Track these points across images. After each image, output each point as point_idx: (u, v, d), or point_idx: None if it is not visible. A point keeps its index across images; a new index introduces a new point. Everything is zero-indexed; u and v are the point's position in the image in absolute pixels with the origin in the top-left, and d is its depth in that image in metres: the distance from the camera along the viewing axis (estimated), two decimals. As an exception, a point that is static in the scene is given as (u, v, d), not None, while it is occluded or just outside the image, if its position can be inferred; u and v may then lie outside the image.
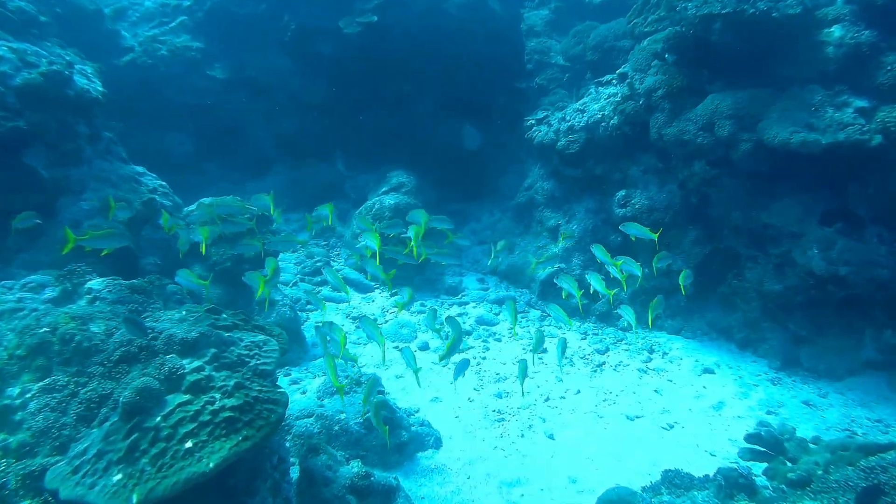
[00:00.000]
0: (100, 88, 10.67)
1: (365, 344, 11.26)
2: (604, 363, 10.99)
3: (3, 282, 7.30)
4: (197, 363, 5.64)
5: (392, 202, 13.88)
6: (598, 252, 8.99)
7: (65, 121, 9.95)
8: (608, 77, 13.88)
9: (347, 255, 14.31)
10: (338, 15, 15.56)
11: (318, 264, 13.73)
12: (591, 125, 13.09)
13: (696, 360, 10.78)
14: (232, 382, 5.39)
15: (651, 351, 11.30)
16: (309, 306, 12.19)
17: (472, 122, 16.51)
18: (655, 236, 8.93)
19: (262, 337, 6.38)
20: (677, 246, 11.79)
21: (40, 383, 5.76)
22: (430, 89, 16.20)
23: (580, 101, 13.97)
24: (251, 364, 5.81)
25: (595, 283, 8.94)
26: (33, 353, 6.03)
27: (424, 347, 11.48)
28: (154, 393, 5.09)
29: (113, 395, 5.52)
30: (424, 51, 15.64)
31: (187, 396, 5.21)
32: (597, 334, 12.18)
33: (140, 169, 11.09)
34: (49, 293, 7.14)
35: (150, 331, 6.04)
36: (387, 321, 12.15)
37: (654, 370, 10.69)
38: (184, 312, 6.74)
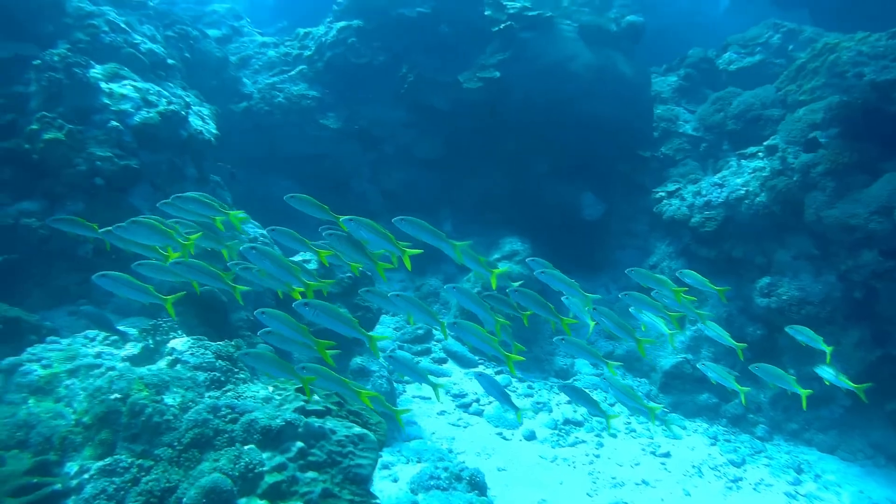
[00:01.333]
0: (213, 131, 10.34)
1: (466, 426, 10.09)
2: (740, 479, 9.32)
3: (87, 331, 6.69)
4: (279, 459, 4.67)
5: (504, 270, 12.78)
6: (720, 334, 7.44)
7: (174, 162, 9.61)
8: (753, 149, 12.43)
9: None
10: (458, 69, 15.03)
11: (420, 332, 12.74)
12: (732, 201, 11.64)
13: (861, 492, 8.89)
14: (319, 489, 4.37)
15: (799, 471, 9.49)
16: (406, 378, 11.17)
17: (592, 188, 15.33)
18: (829, 350, 7.35)
19: (358, 430, 5.34)
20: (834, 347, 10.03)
21: (101, 462, 4.92)
22: (547, 151, 15.23)
23: (718, 175, 12.57)
24: (343, 465, 4.78)
25: (725, 379, 7.37)
26: (99, 423, 5.24)
27: (531, 437, 10.18)
28: (224, 496, 4.11)
29: (178, 490, 4.56)
30: (544, 110, 14.76)
31: (263, 503, 4.20)
32: (729, 440, 10.50)
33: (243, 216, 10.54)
34: (130, 349, 6.45)
35: (228, 409, 5.13)
36: (490, 402, 10.94)
37: (805, 497, 8.88)
38: (270, 389, 5.82)
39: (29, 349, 6.27)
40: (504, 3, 14.87)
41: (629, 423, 10.91)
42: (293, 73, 15.55)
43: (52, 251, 8.44)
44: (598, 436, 10.43)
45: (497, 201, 15.30)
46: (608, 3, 15.76)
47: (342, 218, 5.87)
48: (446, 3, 15.27)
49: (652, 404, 10.23)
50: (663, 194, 13.45)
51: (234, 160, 12.83)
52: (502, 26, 14.74)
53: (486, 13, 15.07)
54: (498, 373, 12.01)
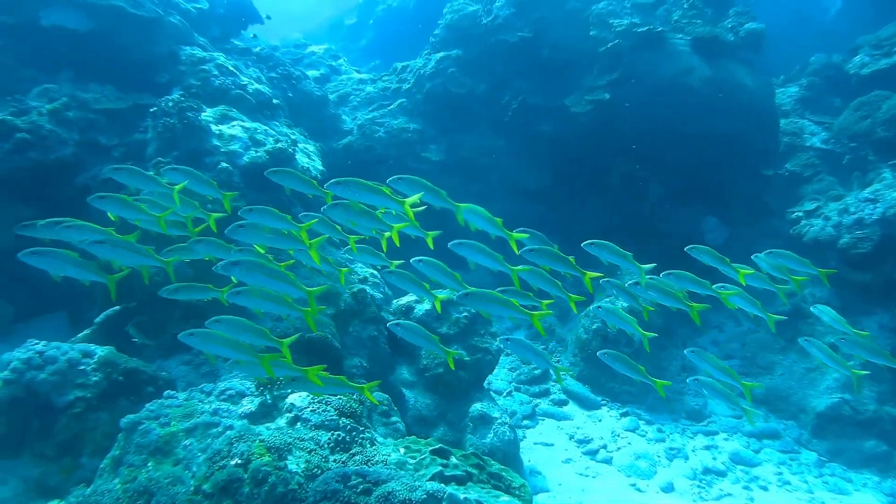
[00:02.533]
0: (319, 167, 10.05)
1: (595, 476, 9.13)
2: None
3: (203, 386, 6.31)
4: (422, 541, 3.94)
5: (627, 306, 11.79)
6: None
7: (282, 200, 9.31)
8: (912, 158, 10.96)
9: (570, 364, 12.34)
10: (563, 93, 14.30)
11: (536, 372, 11.89)
12: (891, 218, 10.23)
13: None
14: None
15: None
16: (525, 422, 10.33)
17: (713, 212, 14.11)
18: None
19: (506, 500, 4.57)
20: None
21: (224, 540, 4.37)
22: (662, 174, 14.18)
23: (868, 189, 11.18)
24: (493, 549, 4.00)
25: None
26: (220, 492, 4.72)
27: (669, 489, 9.09)
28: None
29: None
30: (659, 130, 13.74)
31: None
32: (912, 501, 8.99)
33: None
34: (247, 405, 5.98)
35: (359, 478, 4.49)
36: (618, 448, 9.93)
37: None
38: (402, 451, 5.16)
39: (148, 405, 5.93)
40: (610, 22, 14.08)
41: (780, 472, 9.63)
42: (392, 106, 15.30)
43: (169, 298, 8.22)
44: (746, 488, 9.21)
45: (610, 228, 14.31)
46: (722, 12, 14.65)
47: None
48: (548, 26, 14.66)
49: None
50: (800, 214, 12.13)
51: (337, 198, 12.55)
52: (609, 45, 13.93)
53: (591, 33, 14.31)
54: (623, 414, 10.97)
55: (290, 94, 12.73)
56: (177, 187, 5.75)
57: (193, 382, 7.92)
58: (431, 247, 5.60)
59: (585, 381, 11.85)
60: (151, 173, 5.67)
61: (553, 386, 11.90)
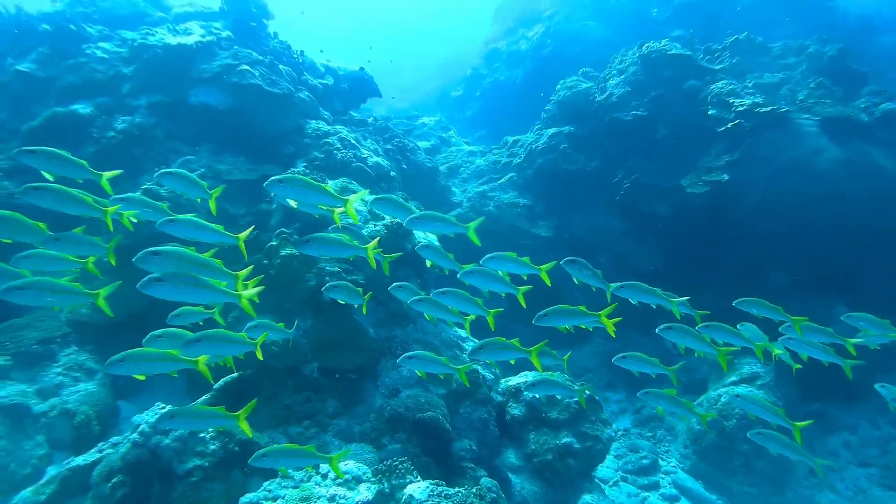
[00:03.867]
0: (435, 243, 10.02)
1: None
2: None
3: (321, 471, 6.17)
4: None
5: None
6: None
7: (397, 275, 9.28)
8: None
9: (681, 456, 11.50)
10: (678, 173, 13.87)
11: (644, 462, 11.14)
12: None
13: None
14: None
15: None
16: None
17: (845, 301, 13.06)
18: None
19: None
20: None
21: None
22: (786, 260, 13.33)
23: None
24: None
25: None
26: None
27: None
28: None
29: None
30: (783, 214, 13.02)
31: None
32: None
33: (463, 333, 10.00)
34: (364, 493, 5.77)
35: None
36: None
37: None
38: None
39: (265, 484, 5.84)
40: (730, 101, 13.67)
41: None
42: (503, 180, 15.32)
43: (281, 368, 8.27)
44: None
45: (725, 314, 13.50)
46: (853, 91, 13.95)
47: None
48: (664, 104, 14.41)
49: None
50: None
51: (434, 274, 12.52)
52: (730, 125, 13.47)
53: (709, 113, 13.94)
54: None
55: (405, 166, 12.98)
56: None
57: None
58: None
59: (699, 476, 10.98)
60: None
61: (663, 479, 11.11)
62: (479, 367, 9.23)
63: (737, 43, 15.24)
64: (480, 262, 6.64)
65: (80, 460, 6.95)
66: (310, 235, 6.09)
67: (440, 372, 6.62)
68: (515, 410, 9.33)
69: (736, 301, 7.50)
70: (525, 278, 7.36)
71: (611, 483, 10.80)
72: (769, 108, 13.32)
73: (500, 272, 6.78)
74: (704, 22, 21.65)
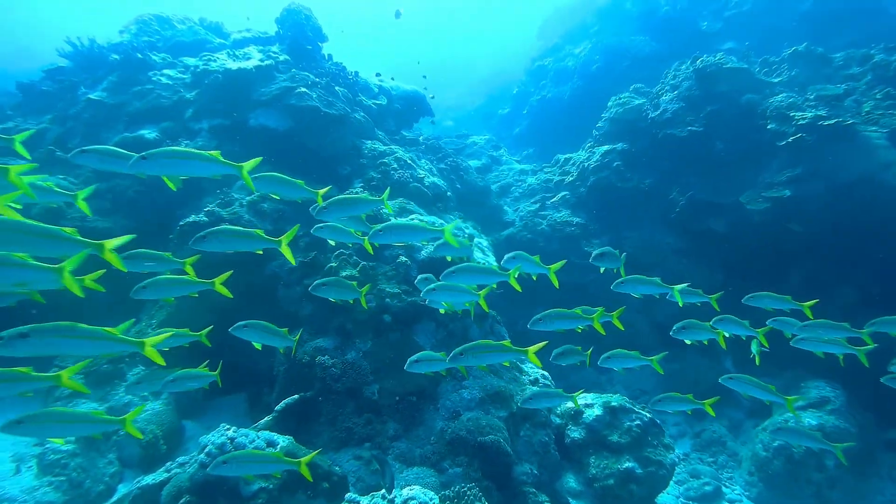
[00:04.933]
0: (493, 263, 9.98)
1: None
2: None
3: (388, 495, 6.13)
4: None
5: (814, 423, 10.55)
6: None
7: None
8: None
9: (745, 483, 11.10)
10: (736, 189, 13.54)
11: (707, 489, 10.79)
12: None
13: None
14: None
15: None
16: None
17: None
18: None
19: None
20: None
21: None
22: (854, 277, 12.84)
23: None
24: None
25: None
26: None
27: None
28: None
29: None
30: (849, 229, 12.55)
31: None
32: None
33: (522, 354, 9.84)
34: (431, 519, 5.69)
35: None
36: None
37: None
38: None
39: (333, 508, 5.81)
40: (791, 115, 13.30)
41: None
42: (555, 199, 15.19)
43: (342, 390, 8.29)
44: None
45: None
46: (924, 103, 13.43)
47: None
48: (720, 119, 14.12)
49: None
50: None
51: (491, 293, 12.42)
52: (791, 139, 13.09)
53: (768, 127, 13.59)
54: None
55: (459, 186, 12.99)
56: None
57: (363, 479, 7.82)
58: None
59: (765, 504, 10.58)
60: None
61: (728, 509, 10.74)
62: (537, 389, 9.09)
63: (795, 54, 14.85)
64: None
65: (149, 479, 7.06)
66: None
67: (440, 369, 6.58)
68: (575, 433, 9.18)
69: (745, 298, 7.89)
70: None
71: (669, 508, 10.50)
72: (833, 121, 12.91)
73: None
74: (757, 34, 21.23)
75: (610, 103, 16.03)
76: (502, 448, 7.90)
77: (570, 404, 9.50)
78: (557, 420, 9.33)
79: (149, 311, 9.30)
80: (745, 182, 13.64)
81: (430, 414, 8.50)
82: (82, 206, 5.44)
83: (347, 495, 6.28)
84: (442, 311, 8.04)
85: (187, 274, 5.90)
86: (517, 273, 6.67)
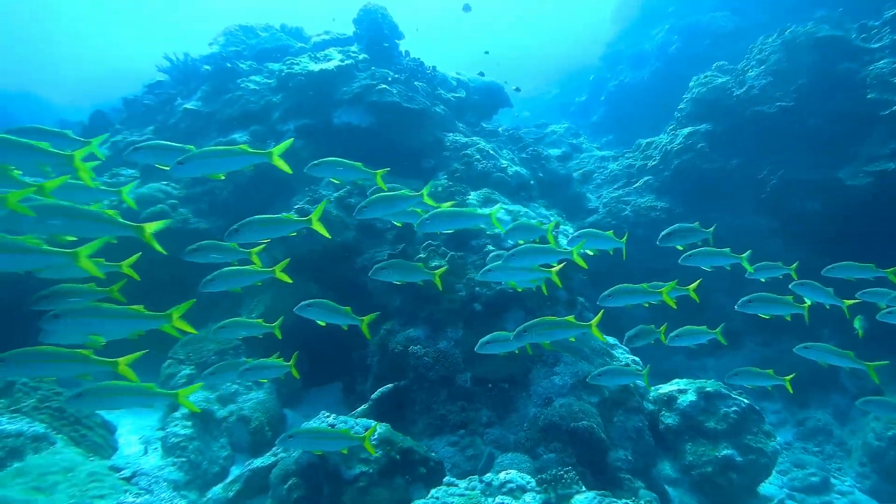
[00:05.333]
0: (591, 253, 9.90)
1: None
2: None
3: (484, 476, 6.23)
4: None
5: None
6: None
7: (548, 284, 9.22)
8: None
9: (856, 475, 10.58)
10: (833, 165, 12.88)
11: (814, 479, 10.34)
12: None
13: None
14: None
15: None
16: None
17: None
18: None
19: None
20: None
21: None
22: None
23: None
24: None
25: None
26: None
27: None
28: None
29: None
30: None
31: None
32: None
33: (612, 340, 9.78)
34: (530, 502, 5.73)
35: None
36: None
37: None
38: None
39: (433, 492, 5.98)
40: (895, 81, 12.53)
41: None
42: (638, 184, 14.89)
43: (435, 378, 8.45)
44: None
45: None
46: None
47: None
48: (813, 93, 13.46)
49: None
50: None
51: (580, 280, 12.31)
52: None
53: (868, 96, 12.85)
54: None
55: (541, 174, 12.94)
56: None
57: (458, 465, 7.96)
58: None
59: (882, 498, 10.02)
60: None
61: (838, 499, 10.24)
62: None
63: (898, 16, 13.96)
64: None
65: (258, 462, 7.44)
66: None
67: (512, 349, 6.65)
68: (669, 420, 9.02)
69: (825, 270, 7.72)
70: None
71: (776, 501, 10.10)
72: (942, 87, 12.10)
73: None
74: None
75: (692, 83, 15.55)
76: (596, 433, 7.86)
77: (663, 390, 9.33)
78: (650, 406, 9.19)
79: (248, 306, 9.76)
80: (842, 157, 12.96)
81: (523, 401, 8.54)
82: (127, 200, 5.81)
83: (445, 478, 6.42)
84: (519, 289, 8.09)
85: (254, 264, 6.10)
86: (580, 250, 6.65)
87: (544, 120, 21.98)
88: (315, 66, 12.20)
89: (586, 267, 6.84)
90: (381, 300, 9.20)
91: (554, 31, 54.05)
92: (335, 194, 10.00)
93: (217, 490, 7.36)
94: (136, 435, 8.48)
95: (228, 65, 13.41)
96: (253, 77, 13.41)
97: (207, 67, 13.60)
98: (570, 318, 6.24)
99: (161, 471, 7.04)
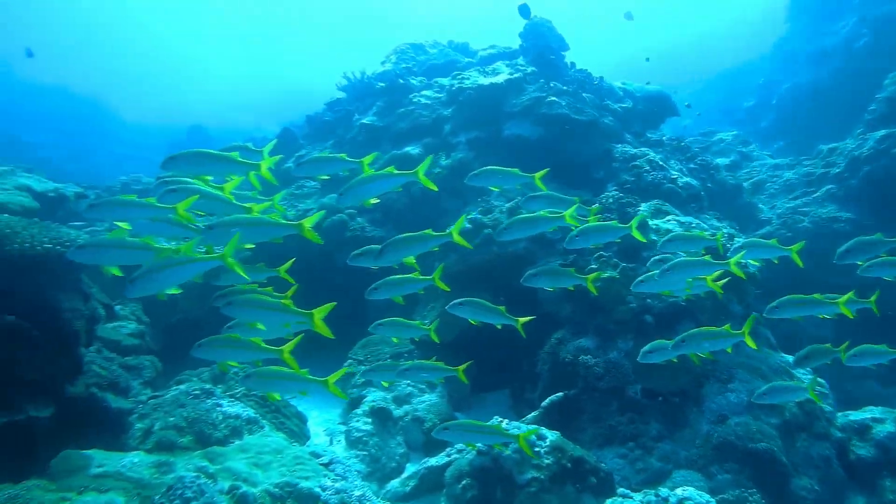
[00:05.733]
0: (754, 265, 9.48)
1: None
2: None
3: (660, 490, 6.18)
4: None
5: None
6: None
7: (718, 298, 8.93)
8: None
9: None
10: None
11: None
12: None
13: None
14: None
15: None
16: None
17: None
18: None
19: None
20: None
21: None
22: None
23: None
24: None
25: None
26: None
27: None
28: None
29: None
30: None
31: None
32: None
33: (789, 358, 9.24)
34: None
35: None
36: None
37: None
38: None
39: (608, 501, 6.01)
40: None
41: None
42: (818, 193, 13.89)
43: (604, 389, 8.46)
44: None
45: None
46: None
47: None
48: None
49: None
50: None
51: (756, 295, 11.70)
52: None
53: None
54: None
55: (710, 185, 12.48)
56: None
57: (628, 477, 7.91)
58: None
59: None
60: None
61: None
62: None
63: None
64: None
65: (433, 461, 7.84)
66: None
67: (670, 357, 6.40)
68: (862, 451, 8.37)
69: None
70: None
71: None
72: None
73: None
74: None
75: (886, 81, 14.30)
76: (776, 457, 7.52)
77: (854, 417, 8.68)
78: (838, 433, 8.57)
79: (420, 312, 10.31)
80: None
81: (695, 416, 8.32)
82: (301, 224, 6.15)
83: (620, 490, 6.43)
84: (682, 297, 7.90)
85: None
86: (740, 260, 6.39)
87: (711, 127, 21.06)
88: (485, 80, 12.62)
89: (744, 277, 6.58)
90: (550, 308, 9.34)
91: (718, 36, 51.57)
92: (507, 205, 10.29)
93: (395, 484, 7.86)
94: (321, 427, 9.25)
95: (401, 81, 14.21)
96: (424, 92, 14.10)
97: (381, 84, 14.50)
98: (727, 327, 6.05)
99: (348, 461, 7.65)
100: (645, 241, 7.11)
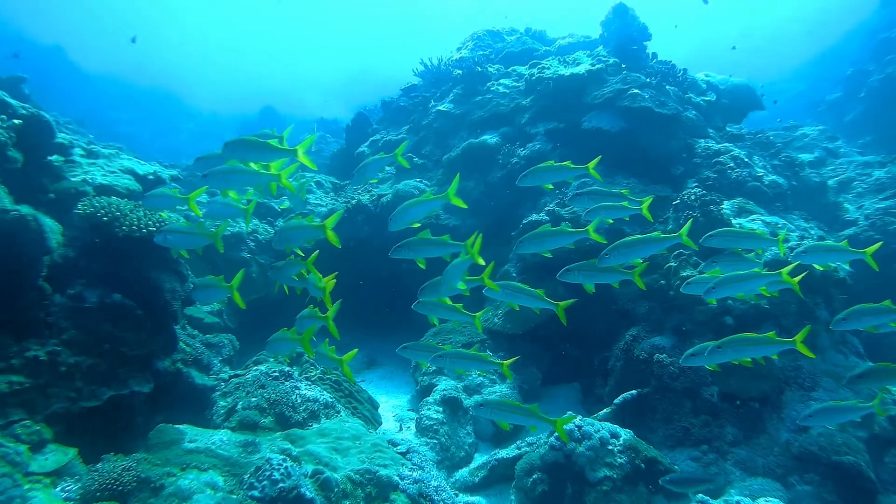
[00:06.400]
0: (846, 268, 9.13)
1: None
2: None
3: (742, 499, 6.09)
4: None
5: None
6: None
7: (804, 302, 8.67)
8: None
9: None
10: None
11: None
12: None
13: None
14: None
15: None
16: None
17: None
18: None
19: None
20: None
21: None
22: None
23: None
24: None
25: None
26: None
27: None
28: None
29: None
30: None
31: None
32: None
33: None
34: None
35: None
36: None
37: None
38: None
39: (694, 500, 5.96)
40: None
41: None
42: (914, 194, 13.23)
43: (679, 389, 8.34)
44: None
45: None
46: None
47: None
48: None
49: None
50: None
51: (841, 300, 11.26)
52: None
53: None
54: None
55: (794, 182, 12.01)
56: None
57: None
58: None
59: None
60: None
61: None
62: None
63: None
64: None
65: (503, 453, 7.92)
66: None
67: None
68: (955, 468, 8.00)
69: None
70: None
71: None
72: None
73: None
74: None
75: None
76: (864, 472, 7.27)
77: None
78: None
79: (495, 302, 10.34)
80: None
81: (774, 423, 8.13)
82: (193, 207, 6.18)
83: (698, 496, 6.36)
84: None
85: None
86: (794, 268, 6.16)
87: (793, 120, 20.22)
88: (565, 71, 12.45)
89: (796, 287, 6.33)
90: (627, 306, 9.25)
91: (801, 21, 49.26)
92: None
93: (464, 473, 7.97)
94: (390, 413, 9.45)
95: (479, 69, 14.16)
96: (502, 80, 14.03)
97: (458, 72, 14.48)
98: (771, 333, 5.84)
99: (417, 448, 7.79)
100: (697, 248, 6.80)
